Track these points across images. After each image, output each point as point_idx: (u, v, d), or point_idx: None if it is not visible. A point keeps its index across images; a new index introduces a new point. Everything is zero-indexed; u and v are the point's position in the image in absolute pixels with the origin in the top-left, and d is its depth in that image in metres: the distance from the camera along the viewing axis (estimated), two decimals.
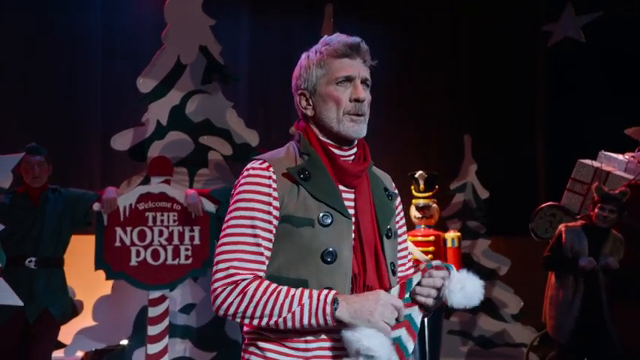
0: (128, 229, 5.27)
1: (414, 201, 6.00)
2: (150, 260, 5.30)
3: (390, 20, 8.59)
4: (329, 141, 1.93)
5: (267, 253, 1.83)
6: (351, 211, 1.89)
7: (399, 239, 2.07)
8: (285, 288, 1.76)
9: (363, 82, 1.93)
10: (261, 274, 1.82)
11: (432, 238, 5.89)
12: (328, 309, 1.71)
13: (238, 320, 1.80)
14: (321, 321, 1.72)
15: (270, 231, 1.83)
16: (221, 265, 1.81)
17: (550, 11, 7.97)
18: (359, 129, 1.91)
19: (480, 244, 7.86)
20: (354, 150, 1.96)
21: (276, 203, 1.84)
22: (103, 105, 6.98)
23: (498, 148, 8.53)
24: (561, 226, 5.21)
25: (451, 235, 5.90)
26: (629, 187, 5.22)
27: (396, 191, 2.11)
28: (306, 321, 1.73)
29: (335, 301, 1.71)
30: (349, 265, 1.82)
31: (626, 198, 5.01)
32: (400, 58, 8.80)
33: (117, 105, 6.77)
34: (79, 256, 5.45)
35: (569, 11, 7.44)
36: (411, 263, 2.16)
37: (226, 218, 1.87)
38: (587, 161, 6.02)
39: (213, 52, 6.16)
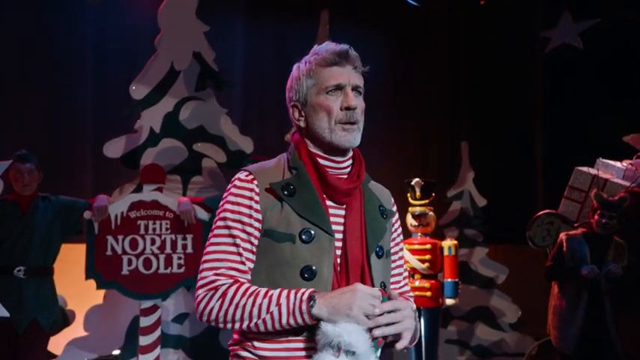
0: (120, 237, 5.20)
1: (410, 209, 5.93)
2: (142, 269, 5.23)
3: (387, 26, 8.55)
4: (321, 153, 1.90)
5: (250, 265, 1.84)
6: (339, 228, 1.87)
7: (395, 257, 2.05)
8: (263, 289, 1.76)
9: (355, 89, 1.90)
10: (244, 281, 1.81)
11: (428, 246, 5.82)
12: (304, 307, 1.70)
13: (221, 326, 1.79)
14: (299, 320, 1.71)
15: (251, 243, 1.83)
16: (204, 274, 1.82)
17: (547, 17, 7.93)
18: (352, 138, 1.87)
19: (477, 252, 7.81)
20: (349, 163, 1.93)
21: (258, 216, 1.83)
22: (95, 112, 6.90)
23: (496, 156, 8.47)
24: (562, 235, 5.14)
25: (448, 244, 5.83)
26: (628, 194, 5.16)
27: (394, 208, 2.07)
28: (284, 321, 1.72)
29: (311, 298, 1.70)
30: (329, 283, 1.79)
31: (625, 204, 4.95)
32: (397, 64, 8.77)
33: (109, 112, 6.68)
34: (71, 265, 5.38)
35: (566, 18, 7.42)
36: (406, 281, 2.12)
37: (212, 228, 1.88)
38: (585, 169, 5.96)
39: (207, 58, 6.11)
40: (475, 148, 8.13)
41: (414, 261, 5.77)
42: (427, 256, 5.78)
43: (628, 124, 6.40)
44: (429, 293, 5.74)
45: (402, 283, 2.08)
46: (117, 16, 6.95)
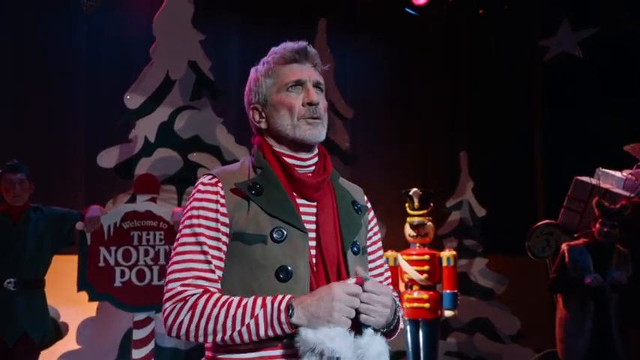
0: (112, 248, 5.10)
1: (408, 219, 5.91)
2: (135, 281, 5.13)
3: (385, 35, 8.50)
4: (286, 151, 1.85)
5: (219, 273, 1.75)
6: (312, 226, 1.80)
7: (374, 256, 1.98)
8: (236, 299, 1.68)
9: (316, 85, 1.86)
10: (214, 291, 1.73)
11: (427, 256, 5.79)
12: (283, 317, 1.62)
13: (192, 340, 1.70)
14: (278, 330, 1.63)
15: (219, 249, 1.75)
16: (170, 285, 1.74)
17: (547, 26, 7.91)
18: (317, 132, 1.83)
19: (476, 262, 7.75)
20: (314, 160, 1.88)
21: (225, 220, 1.76)
22: (89, 121, 6.83)
23: (495, 165, 8.42)
24: (563, 246, 5.07)
25: (447, 254, 5.81)
26: (630, 203, 5.09)
27: (369, 205, 2.02)
28: (262, 332, 1.64)
29: (290, 306, 1.63)
30: (306, 283, 1.72)
31: (627, 212, 4.88)
32: (395, 73, 8.73)
33: (104, 121, 6.61)
34: (65, 277, 5.30)
35: (565, 26, 7.41)
36: (389, 280, 2.04)
37: (176, 237, 1.80)
38: (585, 178, 5.91)
39: (202, 67, 6.07)
40: (474, 158, 8.10)
41: (412, 272, 5.73)
42: (425, 267, 5.73)
43: (628, 134, 6.34)
44: (427, 305, 5.69)
45: (384, 275, 2.02)
46: (112, 25, 6.90)
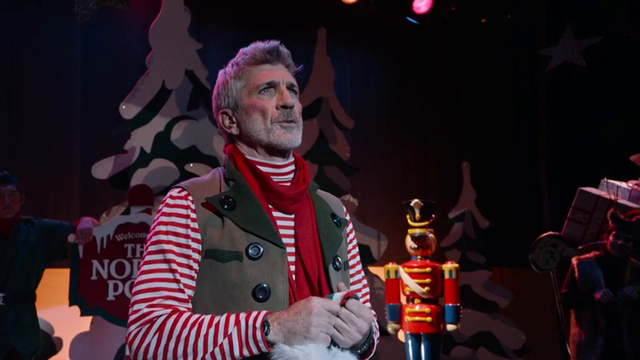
0: (105, 261, 5.03)
1: (409, 231, 5.80)
2: (128, 295, 5.03)
3: (386, 45, 8.48)
4: (260, 159, 1.75)
5: (190, 292, 1.63)
6: (290, 240, 1.70)
7: (352, 271, 1.88)
8: (208, 317, 1.56)
9: (289, 87, 1.77)
10: (185, 310, 1.62)
11: (428, 269, 5.66)
12: (259, 335, 1.51)
13: None
14: (254, 349, 1.51)
15: (189, 267, 1.63)
16: (135, 307, 1.60)
17: (549, 35, 7.85)
18: (292, 137, 1.73)
19: (480, 275, 7.65)
20: (291, 168, 1.78)
21: (196, 235, 1.64)
22: (84, 132, 6.76)
23: (498, 176, 8.34)
24: (573, 260, 4.96)
25: (449, 267, 5.68)
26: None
27: (347, 217, 1.92)
28: (237, 352, 1.52)
29: (265, 323, 1.52)
30: (286, 301, 1.62)
31: None
32: (397, 84, 8.70)
33: (99, 132, 6.55)
34: (59, 291, 5.22)
35: (568, 35, 7.32)
36: (367, 297, 1.93)
37: (143, 255, 1.68)
38: (589, 189, 5.81)
39: (199, 76, 5.98)
40: (477, 168, 8.02)
41: (413, 285, 5.62)
42: (427, 280, 5.61)
43: (634, 143, 6.26)
44: (429, 318, 5.58)
45: (363, 292, 1.92)
46: (107, 35, 6.85)
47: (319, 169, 6.90)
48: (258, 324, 1.51)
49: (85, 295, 4.99)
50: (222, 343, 1.52)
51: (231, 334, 1.52)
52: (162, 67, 5.86)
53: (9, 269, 4.51)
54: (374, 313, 1.81)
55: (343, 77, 8.18)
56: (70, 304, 5.00)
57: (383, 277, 5.86)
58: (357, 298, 1.59)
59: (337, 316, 1.55)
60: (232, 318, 1.54)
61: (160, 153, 5.81)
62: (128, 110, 5.76)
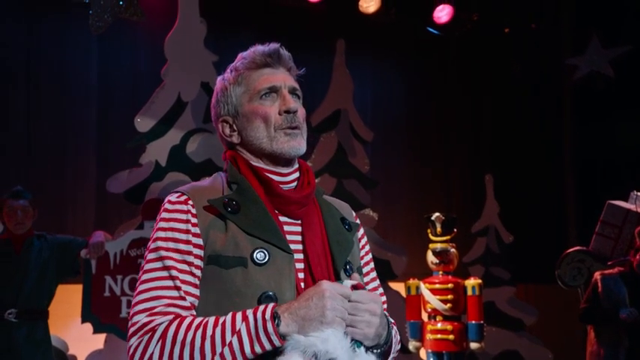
0: (119, 277, 4.96)
1: (430, 245, 5.70)
2: None
3: (407, 56, 8.40)
4: (264, 166, 1.66)
5: (192, 300, 1.54)
6: (298, 247, 1.60)
7: (367, 278, 1.79)
8: (212, 318, 1.47)
9: (292, 92, 1.69)
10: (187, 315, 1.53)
11: (450, 285, 5.54)
12: (270, 327, 1.42)
13: None
14: (267, 344, 1.42)
15: (191, 274, 1.54)
16: (135, 318, 1.50)
17: (575, 44, 7.73)
18: (297, 144, 1.65)
19: (504, 291, 7.51)
20: (296, 175, 1.70)
21: (197, 241, 1.55)
22: (100, 145, 6.76)
23: (523, 189, 8.23)
24: (597, 274, 4.80)
25: (472, 283, 5.55)
26: None
27: (358, 221, 1.83)
28: (248, 350, 1.42)
29: (275, 315, 1.43)
30: None
31: None
32: (418, 95, 8.64)
33: (115, 146, 6.53)
34: (75, 307, 5.14)
35: (595, 44, 7.22)
36: (383, 298, 1.80)
37: (142, 264, 1.59)
38: (618, 202, 5.67)
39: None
40: (500, 181, 7.90)
41: (435, 301, 5.50)
42: (449, 296, 5.50)
43: None
44: (451, 336, 5.45)
45: (380, 299, 1.79)
46: (124, 46, 6.85)
47: (338, 182, 6.83)
48: (267, 316, 1.42)
49: (97, 311, 4.92)
50: (230, 342, 1.42)
51: (239, 330, 1.43)
52: (178, 79, 5.83)
53: (21, 285, 4.45)
54: (392, 320, 1.72)
55: (363, 89, 8.12)
56: (83, 321, 4.94)
57: (404, 293, 5.76)
58: (365, 289, 1.53)
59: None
60: (239, 315, 1.45)
61: (176, 166, 5.77)
62: (143, 123, 5.74)
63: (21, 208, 4.52)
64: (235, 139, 1.69)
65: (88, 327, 5.05)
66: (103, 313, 4.92)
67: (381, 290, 1.83)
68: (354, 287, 1.49)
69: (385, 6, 7.36)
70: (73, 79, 6.72)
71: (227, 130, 1.70)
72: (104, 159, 6.63)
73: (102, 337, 5.39)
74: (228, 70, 1.73)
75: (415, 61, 8.47)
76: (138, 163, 5.79)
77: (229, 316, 1.45)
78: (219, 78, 1.74)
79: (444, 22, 7.64)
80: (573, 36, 8.27)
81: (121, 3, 5.45)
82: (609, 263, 5.27)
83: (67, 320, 4.85)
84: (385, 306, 1.81)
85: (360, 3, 7.31)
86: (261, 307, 1.44)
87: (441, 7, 7.58)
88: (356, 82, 7.30)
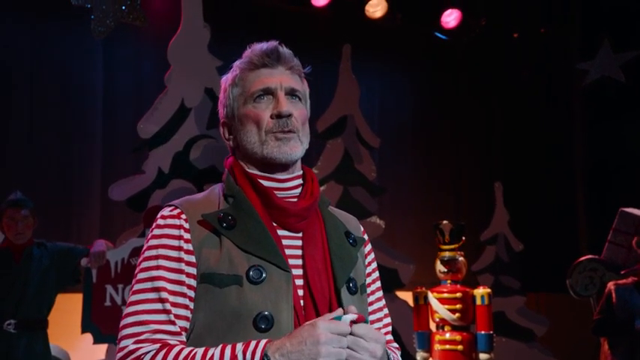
0: (120, 286, 4.88)
1: (439, 254, 5.61)
2: None
3: (415, 61, 8.35)
4: (259, 173, 1.60)
5: (183, 323, 1.47)
6: (297, 262, 1.54)
7: (371, 297, 1.71)
8: (201, 350, 1.40)
9: (290, 93, 1.61)
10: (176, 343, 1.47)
11: (459, 294, 5.45)
12: None
13: None
14: None
15: (183, 295, 1.48)
16: (123, 343, 1.45)
17: (585, 49, 7.64)
18: (288, 149, 1.56)
19: (514, 301, 7.41)
20: (298, 182, 1.63)
21: (190, 258, 1.49)
22: (104, 152, 6.73)
23: (533, 196, 8.15)
24: (610, 285, 4.69)
25: (481, 292, 5.44)
26: None
27: (365, 237, 1.75)
28: None
29: (265, 356, 1.36)
30: (291, 331, 1.43)
31: None
32: (426, 101, 8.59)
33: (119, 152, 6.50)
34: (74, 316, 5.06)
35: (606, 48, 7.11)
36: (388, 328, 1.73)
37: (132, 283, 1.53)
38: (631, 210, 5.58)
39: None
40: (510, 189, 7.81)
41: (443, 311, 5.40)
42: (458, 306, 5.41)
43: None
44: (460, 347, 5.36)
45: (384, 322, 1.73)
46: (128, 52, 6.81)
47: (344, 189, 6.76)
48: (257, 356, 1.35)
49: (98, 321, 4.84)
50: None
51: None
52: (181, 85, 5.75)
53: (21, 295, 4.39)
54: (393, 340, 1.69)
55: (370, 95, 8.06)
56: (83, 332, 4.87)
57: (411, 303, 5.67)
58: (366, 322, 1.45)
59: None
60: (228, 350, 1.38)
61: (179, 173, 5.67)
62: (146, 129, 5.66)
63: (21, 218, 4.48)
64: (232, 142, 1.65)
65: (89, 337, 4.96)
66: (104, 323, 4.84)
67: (385, 311, 1.75)
68: (353, 322, 1.40)
69: (392, 11, 7.30)
70: (78, 85, 6.69)
71: (226, 133, 1.66)
72: (109, 166, 6.58)
73: (103, 347, 5.30)
74: (230, 70, 1.68)
75: (423, 67, 8.43)
76: (139, 169, 5.72)
77: (218, 350, 1.39)
78: (223, 78, 1.69)
79: (452, 27, 7.59)
80: (583, 41, 8.17)
81: (123, 8, 5.37)
82: (622, 272, 5.17)
83: (67, 330, 4.77)
84: (390, 328, 1.74)
85: (367, 8, 7.26)
86: (252, 345, 1.37)
87: (448, 11, 7.53)
88: (363, 88, 7.24)
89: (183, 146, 5.72)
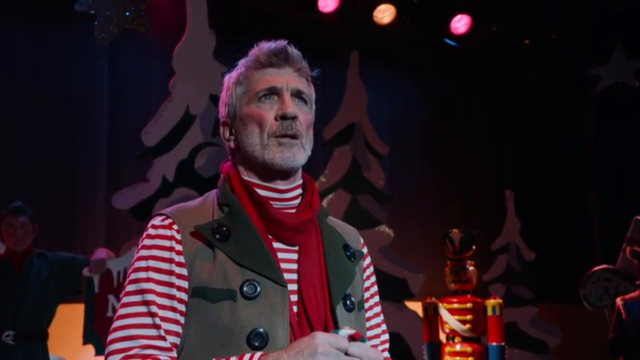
0: None
1: (448, 263, 5.60)
2: None
3: (424, 68, 8.29)
4: (258, 181, 1.53)
5: (174, 339, 1.41)
6: (293, 276, 1.47)
7: (369, 313, 1.64)
8: None
9: (297, 95, 1.54)
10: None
11: (469, 305, 5.42)
12: None
13: None
14: None
15: (173, 309, 1.41)
16: (111, 359, 1.39)
17: (598, 55, 7.56)
18: (290, 155, 1.49)
19: (526, 312, 7.32)
20: (297, 193, 1.55)
21: (181, 271, 1.42)
22: (110, 161, 6.67)
23: (545, 204, 8.03)
24: (618, 301, 4.60)
25: (492, 302, 5.38)
26: None
27: (365, 250, 1.67)
28: None
29: None
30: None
31: None
32: (436, 108, 8.51)
33: (124, 160, 6.45)
34: (76, 327, 4.99)
35: (619, 54, 7.02)
36: (385, 345, 1.66)
37: (121, 295, 1.47)
38: None
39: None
40: (521, 196, 7.75)
41: (453, 322, 5.38)
42: (468, 317, 5.38)
43: None
44: (471, 359, 5.33)
45: (381, 338, 1.66)
46: (133, 59, 6.78)
47: (352, 198, 6.68)
48: None
49: (100, 332, 4.78)
50: None
51: None
52: (186, 91, 5.68)
53: (20, 306, 4.33)
54: (390, 358, 1.61)
55: (379, 102, 7.99)
56: (84, 343, 4.81)
57: (421, 313, 5.63)
58: (365, 341, 1.36)
59: None
60: None
61: (183, 182, 5.59)
62: (150, 137, 5.59)
63: (20, 225, 4.43)
64: (232, 143, 1.58)
65: (90, 349, 4.89)
66: (106, 335, 4.69)
67: (384, 327, 1.67)
68: (352, 338, 1.33)
69: (400, 17, 7.21)
70: (82, 92, 6.65)
71: (226, 134, 1.60)
72: (114, 174, 6.52)
73: (101, 359, 5.24)
74: (235, 68, 1.61)
75: (432, 73, 8.36)
76: (144, 177, 5.65)
77: None
78: (227, 76, 1.63)
79: (462, 32, 7.50)
80: (595, 46, 8.07)
81: (127, 14, 5.31)
82: (638, 282, 5.05)
83: (69, 341, 4.69)
84: (387, 345, 1.67)
85: (375, 14, 7.17)
86: (246, 357, 1.32)
87: (458, 17, 7.44)
88: (371, 95, 7.16)
89: (188, 154, 5.65)
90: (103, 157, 6.62)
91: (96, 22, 5.27)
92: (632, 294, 4.64)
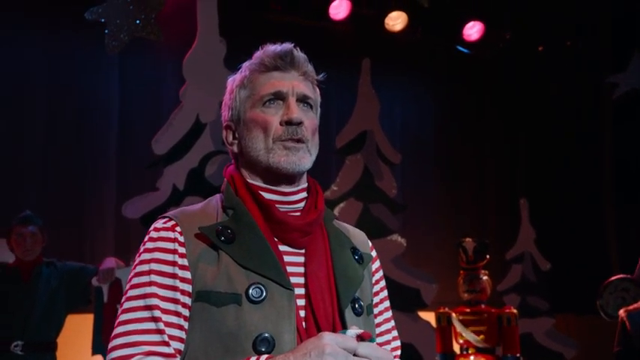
0: None
1: (462, 273, 5.50)
2: None
3: (437, 76, 8.24)
4: (262, 184, 1.51)
5: (177, 346, 1.38)
6: (300, 280, 1.45)
7: (379, 319, 1.62)
8: None
9: (302, 100, 1.53)
10: None
11: (484, 315, 5.32)
12: None
13: None
14: None
15: (177, 314, 1.38)
16: None
17: (615, 62, 7.49)
18: (296, 159, 1.47)
19: (542, 323, 7.26)
20: (302, 196, 1.54)
21: (185, 274, 1.40)
22: (119, 169, 6.69)
23: (560, 213, 7.95)
24: (621, 312, 4.45)
25: (507, 313, 5.30)
26: None
27: (373, 253, 1.66)
28: None
29: None
30: None
31: None
32: (449, 116, 8.45)
33: (134, 169, 6.46)
34: (85, 338, 4.96)
35: (637, 60, 6.99)
36: (397, 352, 1.63)
37: (122, 300, 1.44)
38: None
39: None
40: (536, 205, 7.69)
41: (467, 333, 5.29)
42: (483, 328, 5.30)
43: None
44: None
45: (392, 345, 1.63)
46: (145, 68, 6.79)
47: (364, 206, 6.64)
48: None
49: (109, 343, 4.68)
50: None
51: None
52: (197, 100, 5.69)
53: (29, 316, 4.31)
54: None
55: (392, 110, 7.95)
56: (94, 353, 4.76)
57: (434, 323, 5.54)
58: (373, 341, 1.35)
59: None
60: None
61: (194, 190, 5.58)
62: (160, 145, 5.60)
63: (30, 234, 4.43)
64: (236, 148, 1.56)
65: (100, 359, 4.80)
66: None
67: (394, 333, 1.64)
68: (360, 338, 1.31)
69: (412, 24, 7.16)
70: (93, 101, 6.65)
71: (229, 137, 1.58)
72: (124, 183, 6.52)
73: None
74: (239, 71, 1.60)
75: (445, 81, 8.30)
76: (154, 186, 5.64)
77: None
78: (230, 79, 1.62)
79: (475, 39, 7.44)
80: (610, 53, 8.02)
81: (137, 22, 5.31)
82: None
83: (78, 352, 4.65)
84: (399, 352, 1.63)
85: (386, 21, 7.13)
86: (252, 359, 1.31)
87: (471, 24, 7.38)
88: (384, 103, 7.13)
89: (198, 162, 5.67)
90: (113, 165, 6.61)
91: (106, 31, 5.29)
92: (635, 305, 4.52)
